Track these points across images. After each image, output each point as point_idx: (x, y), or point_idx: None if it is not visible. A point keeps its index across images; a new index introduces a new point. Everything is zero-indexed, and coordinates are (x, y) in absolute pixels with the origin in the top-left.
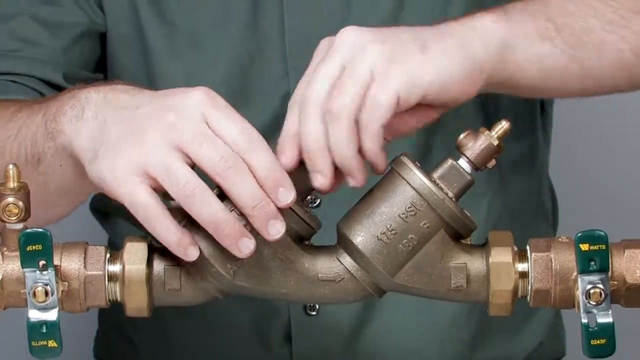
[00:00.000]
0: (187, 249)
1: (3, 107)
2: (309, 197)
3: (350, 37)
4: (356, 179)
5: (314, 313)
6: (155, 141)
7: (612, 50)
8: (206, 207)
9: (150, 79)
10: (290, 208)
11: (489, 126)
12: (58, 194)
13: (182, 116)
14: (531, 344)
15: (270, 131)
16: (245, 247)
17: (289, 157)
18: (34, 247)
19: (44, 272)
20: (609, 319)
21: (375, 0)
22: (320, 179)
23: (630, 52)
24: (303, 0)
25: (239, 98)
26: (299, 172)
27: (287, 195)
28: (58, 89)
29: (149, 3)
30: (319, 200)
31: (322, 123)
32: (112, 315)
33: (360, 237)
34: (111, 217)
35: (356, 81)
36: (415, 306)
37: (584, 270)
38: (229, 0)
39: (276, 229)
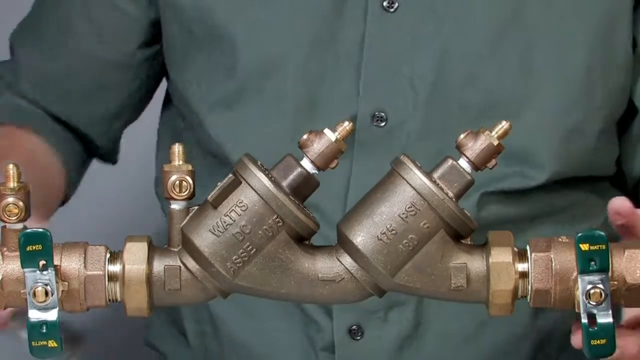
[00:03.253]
0: None
1: None
2: None
3: None
4: None
5: (358, 338)
6: None
7: None
8: None
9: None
10: (291, 209)
11: None
12: None
13: None
14: None
15: None
16: None
17: None
18: (34, 247)
19: (44, 272)
20: (609, 319)
21: (472, 23)
22: None
23: None
24: (389, 19)
25: (305, 109)
26: (303, 176)
27: None
28: None
29: None
30: None
31: None
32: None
33: (360, 237)
34: None
35: None
36: (462, 335)
37: (584, 270)
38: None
39: None
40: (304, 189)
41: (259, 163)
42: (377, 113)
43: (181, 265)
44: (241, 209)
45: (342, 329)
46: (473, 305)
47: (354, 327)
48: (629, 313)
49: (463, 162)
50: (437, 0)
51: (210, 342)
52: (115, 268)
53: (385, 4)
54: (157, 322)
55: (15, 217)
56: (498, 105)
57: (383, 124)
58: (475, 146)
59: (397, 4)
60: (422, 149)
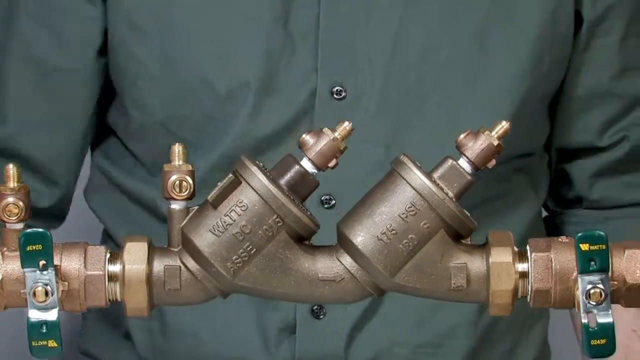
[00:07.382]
0: None
1: None
2: (323, 197)
3: None
4: None
5: (321, 317)
6: None
7: None
8: None
9: (168, 64)
10: (291, 209)
11: None
12: None
13: None
14: None
15: (294, 126)
16: None
17: None
18: (34, 247)
19: (44, 272)
20: (609, 319)
21: None
22: None
23: None
24: None
25: (266, 89)
26: (301, 174)
27: None
28: None
29: None
30: (333, 202)
31: None
32: (101, 310)
33: (361, 237)
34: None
35: None
36: (415, 318)
37: (584, 270)
38: None
39: None
40: (302, 188)
41: (259, 163)
42: (335, 88)
43: (181, 265)
44: (241, 209)
45: (305, 308)
46: None
47: (316, 307)
48: None
49: (463, 162)
50: None
51: (156, 337)
52: (115, 268)
53: None
54: (92, 327)
55: (15, 217)
56: (453, 79)
57: (341, 97)
58: (475, 146)
59: None
60: (380, 123)
